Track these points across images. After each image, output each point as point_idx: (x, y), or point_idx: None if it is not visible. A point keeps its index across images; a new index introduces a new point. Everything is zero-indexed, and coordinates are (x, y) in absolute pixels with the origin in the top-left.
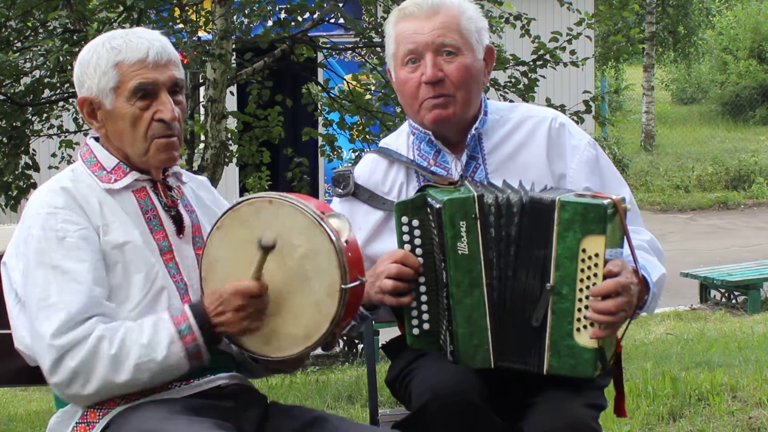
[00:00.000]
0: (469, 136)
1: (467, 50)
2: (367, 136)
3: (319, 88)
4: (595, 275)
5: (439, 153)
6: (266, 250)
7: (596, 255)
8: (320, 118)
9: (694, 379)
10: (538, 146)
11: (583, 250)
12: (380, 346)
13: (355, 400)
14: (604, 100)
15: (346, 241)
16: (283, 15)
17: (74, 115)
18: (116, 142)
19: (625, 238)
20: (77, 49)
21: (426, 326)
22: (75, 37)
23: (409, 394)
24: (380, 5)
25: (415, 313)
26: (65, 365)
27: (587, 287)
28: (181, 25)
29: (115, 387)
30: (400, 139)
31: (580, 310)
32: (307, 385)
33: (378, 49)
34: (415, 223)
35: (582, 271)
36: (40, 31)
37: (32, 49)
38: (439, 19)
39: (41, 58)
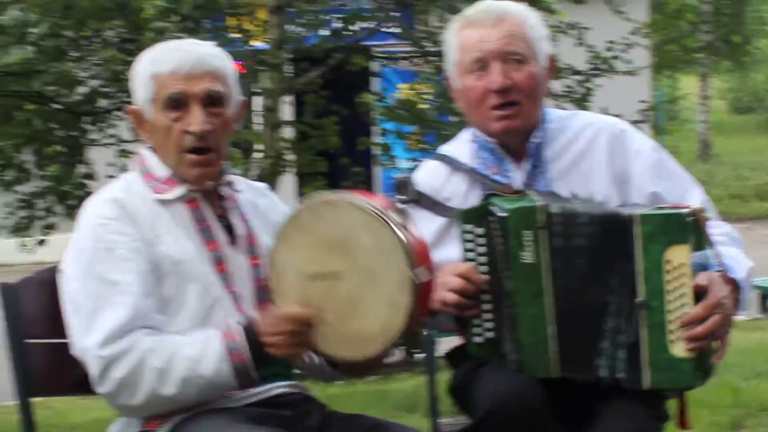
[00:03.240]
0: (531, 144)
1: (533, 58)
2: (423, 145)
3: (375, 97)
4: (683, 285)
5: (501, 161)
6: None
7: (682, 265)
8: (376, 127)
9: (755, 389)
10: (599, 153)
11: (668, 262)
12: (440, 355)
13: (415, 409)
14: (660, 110)
15: (411, 235)
16: (338, 24)
17: (130, 125)
18: (159, 153)
19: (708, 244)
20: (132, 59)
21: (488, 335)
22: (130, 47)
23: (471, 403)
24: (435, 14)
25: (477, 322)
26: (112, 376)
27: (677, 298)
28: (236, 35)
29: (162, 400)
30: (461, 147)
31: (671, 321)
32: (366, 395)
33: (432, 58)
34: (479, 231)
35: (668, 282)
36: (96, 40)
37: (88, 58)
38: (506, 27)
39: (97, 68)
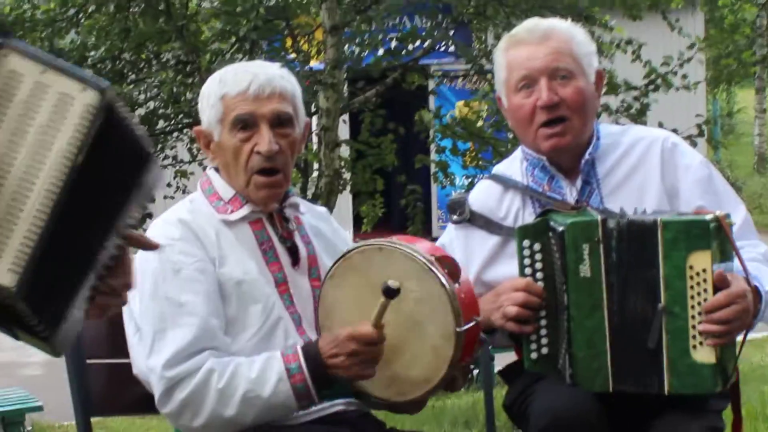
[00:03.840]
0: (583, 161)
1: (580, 74)
2: (480, 162)
3: (431, 115)
4: (705, 291)
5: (553, 179)
6: (391, 294)
7: (704, 270)
8: (432, 145)
9: None
10: (651, 167)
11: (690, 267)
12: (496, 371)
13: (472, 425)
14: (717, 124)
15: (458, 283)
16: (394, 43)
17: (188, 145)
18: (226, 174)
19: (733, 252)
20: (190, 80)
21: (544, 350)
22: (188, 69)
23: (527, 418)
24: (491, 32)
25: (533, 337)
26: (175, 397)
27: (698, 303)
28: (293, 55)
29: (223, 421)
30: (514, 166)
31: (694, 327)
32: (423, 411)
33: (489, 75)
34: (537, 246)
35: (692, 288)
36: (154, 62)
37: (146, 80)
38: (552, 45)
39: (155, 90)
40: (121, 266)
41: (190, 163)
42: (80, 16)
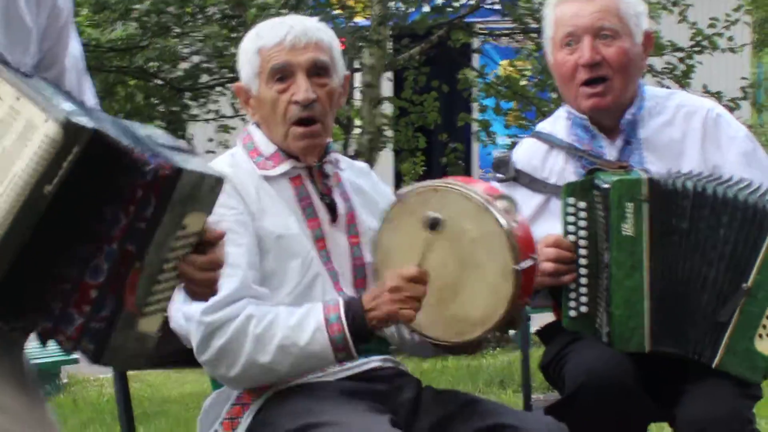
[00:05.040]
0: (624, 121)
1: (626, 34)
2: (523, 122)
3: (475, 73)
4: None
5: (594, 137)
6: (434, 226)
7: None
8: (476, 104)
9: None
10: (693, 136)
11: None
12: (533, 331)
13: (507, 385)
14: (761, 87)
15: (515, 222)
16: (440, 0)
17: (231, 100)
18: (266, 129)
19: None
20: (235, 35)
21: (583, 309)
22: (233, 23)
23: (562, 378)
24: None
25: (573, 295)
26: (213, 344)
27: None
28: (338, 11)
29: (258, 368)
30: (558, 124)
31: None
32: (458, 370)
33: (534, 34)
34: (582, 204)
35: None
36: (199, 17)
37: (190, 34)
38: (599, 3)
39: (199, 44)
40: (207, 245)
41: (232, 117)
42: None
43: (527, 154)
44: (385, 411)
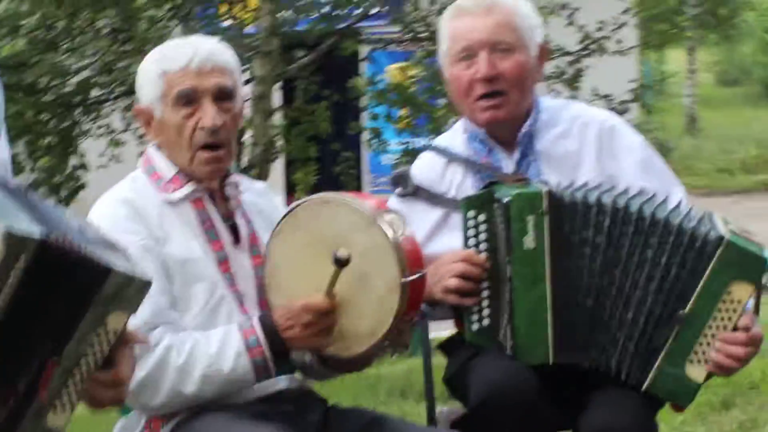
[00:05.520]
0: (521, 134)
1: (521, 48)
2: (413, 128)
3: (365, 81)
4: (730, 319)
5: (491, 151)
6: (341, 264)
7: (738, 302)
8: (365, 112)
9: (745, 367)
10: (589, 147)
11: (728, 293)
12: (435, 346)
13: (408, 394)
14: (649, 88)
15: (403, 236)
16: (327, 8)
17: (122, 115)
18: (168, 152)
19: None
20: (124, 48)
21: (486, 322)
22: (122, 37)
23: (467, 392)
24: None
25: (475, 309)
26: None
27: (717, 327)
28: (227, 22)
29: (183, 398)
30: (455, 138)
31: (701, 344)
32: (358, 381)
33: (423, 41)
34: (482, 218)
35: (719, 311)
36: (88, 31)
37: (80, 49)
38: (495, 17)
39: (89, 58)
40: (114, 361)
41: (124, 131)
42: None
43: (425, 168)
44: None
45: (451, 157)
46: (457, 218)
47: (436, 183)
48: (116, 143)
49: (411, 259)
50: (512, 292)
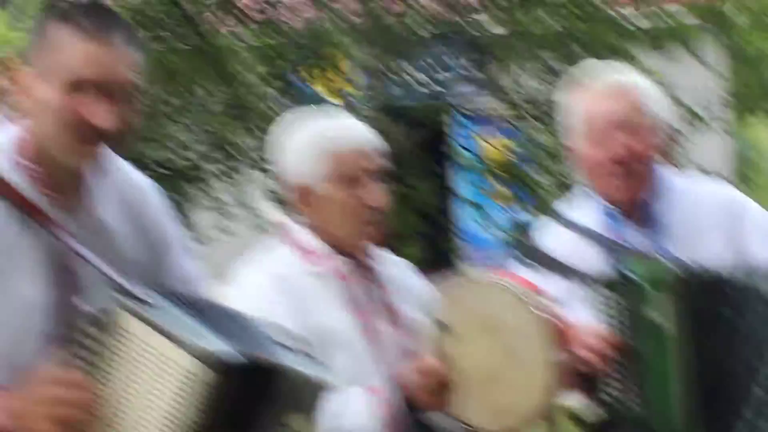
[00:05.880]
0: (650, 210)
1: (651, 129)
2: (517, 203)
3: (469, 156)
4: None
5: (621, 227)
6: (442, 329)
7: None
8: (469, 186)
9: None
10: (717, 222)
11: None
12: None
13: None
14: (743, 160)
15: (553, 315)
16: (426, 83)
17: (230, 188)
18: (325, 226)
19: None
20: (238, 123)
21: (616, 394)
22: (236, 112)
23: None
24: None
25: (606, 381)
26: None
27: None
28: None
29: None
30: (583, 210)
31: None
32: None
33: (522, 113)
34: (612, 293)
35: None
36: (198, 106)
37: (192, 124)
38: (627, 99)
39: (203, 133)
40: None
41: (232, 205)
42: None
43: (555, 240)
44: None
45: (580, 230)
46: (583, 290)
47: (565, 255)
48: (226, 215)
49: (560, 338)
50: (643, 367)
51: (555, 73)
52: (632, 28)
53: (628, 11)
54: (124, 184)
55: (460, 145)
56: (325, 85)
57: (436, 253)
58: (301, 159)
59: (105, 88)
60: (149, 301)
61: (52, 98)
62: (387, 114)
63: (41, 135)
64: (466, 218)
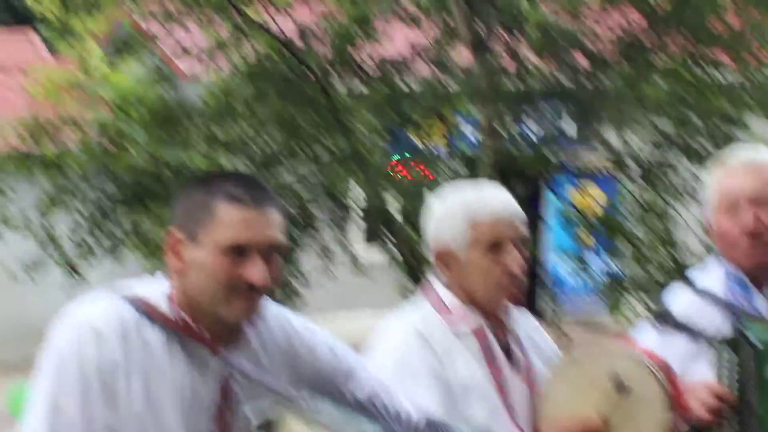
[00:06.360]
0: None
1: None
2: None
3: (571, 208)
4: None
5: (749, 293)
6: (620, 389)
7: None
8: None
9: None
10: None
11: None
12: None
13: None
14: None
15: (672, 386)
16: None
17: (337, 237)
18: (466, 288)
19: None
20: (348, 169)
21: None
22: (343, 157)
23: None
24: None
25: None
26: None
27: None
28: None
29: None
30: (712, 277)
31: None
32: None
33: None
34: (733, 358)
35: None
36: (308, 152)
37: (299, 171)
38: (761, 174)
39: (312, 179)
40: None
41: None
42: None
43: (683, 305)
44: None
45: (710, 298)
46: (707, 352)
47: (692, 320)
48: (330, 259)
49: (677, 403)
50: (761, 428)
51: (665, 136)
52: (742, 94)
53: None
54: (279, 331)
55: (559, 196)
56: (435, 139)
57: (530, 300)
58: (444, 225)
59: (261, 250)
60: (309, 400)
61: (209, 259)
62: (499, 169)
63: (199, 293)
64: (556, 266)
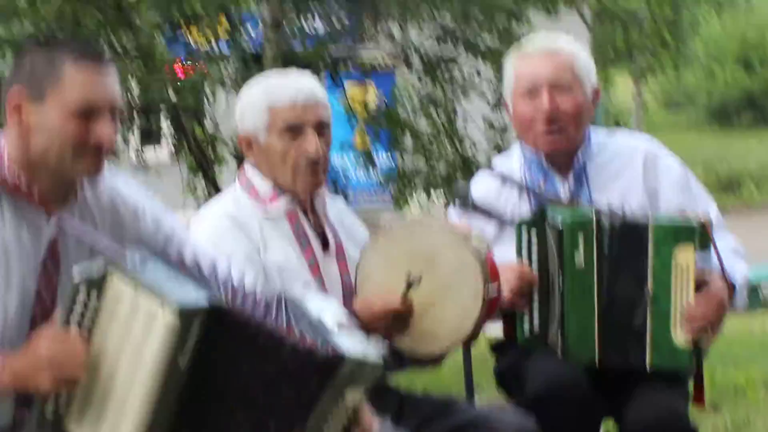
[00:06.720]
0: (576, 161)
1: (578, 89)
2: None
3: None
4: (687, 283)
5: (547, 176)
6: (410, 285)
7: (687, 265)
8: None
9: (730, 374)
10: (635, 171)
11: (676, 262)
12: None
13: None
14: (603, 113)
15: (485, 254)
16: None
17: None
18: (268, 173)
19: (713, 249)
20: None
21: (536, 329)
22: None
23: (521, 384)
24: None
25: (526, 317)
26: None
27: (681, 294)
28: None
29: None
30: (511, 162)
31: (675, 313)
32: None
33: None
34: (534, 237)
35: (675, 279)
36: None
37: None
38: (557, 60)
39: None
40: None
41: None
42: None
43: (484, 187)
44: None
45: (509, 181)
46: (510, 231)
47: (492, 202)
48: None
49: (492, 273)
50: (563, 304)
51: (447, 31)
52: None
53: None
54: (107, 193)
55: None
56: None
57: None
58: (247, 112)
59: (110, 110)
60: (137, 261)
61: (57, 121)
62: (284, 64)
63: (42, 152)
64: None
